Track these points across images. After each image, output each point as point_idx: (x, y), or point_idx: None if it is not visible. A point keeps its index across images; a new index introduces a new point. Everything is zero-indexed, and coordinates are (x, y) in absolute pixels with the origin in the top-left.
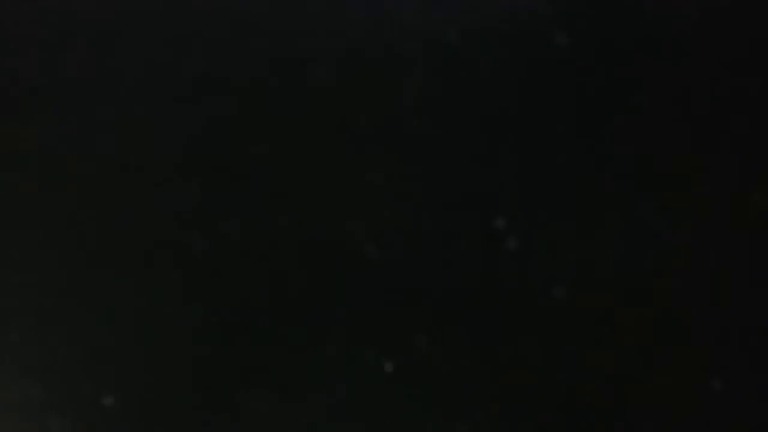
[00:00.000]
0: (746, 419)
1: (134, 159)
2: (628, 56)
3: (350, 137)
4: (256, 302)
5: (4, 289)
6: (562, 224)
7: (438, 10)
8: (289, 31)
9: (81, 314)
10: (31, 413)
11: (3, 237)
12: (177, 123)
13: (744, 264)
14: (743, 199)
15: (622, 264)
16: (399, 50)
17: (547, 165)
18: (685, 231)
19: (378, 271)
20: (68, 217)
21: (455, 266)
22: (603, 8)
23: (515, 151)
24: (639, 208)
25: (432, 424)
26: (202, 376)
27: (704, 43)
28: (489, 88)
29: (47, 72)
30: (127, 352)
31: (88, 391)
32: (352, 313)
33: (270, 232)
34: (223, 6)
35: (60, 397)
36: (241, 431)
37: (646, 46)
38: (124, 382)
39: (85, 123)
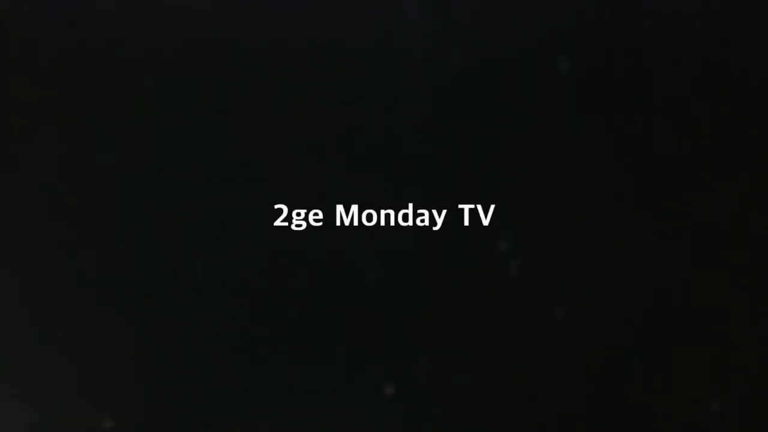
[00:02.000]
0: None
1: (135, 183)
2: (630, 81)
3: (352, 160)
4: (255, 325)
5: (2, 311)
6: (564, 247)
7: (440, 34)
8: (291, 55)
9: (80, 336)
10: None
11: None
12: (178, 143)
13: (744, 286)
14: (744, 222)
15: (623, 286)
16: (401, 74)
17: (549, 188)
18: (685, 253)
19: (379, 294)
20: (66, 239)
21: (457, 288)
22: (604, 33)
23: (517, 175)
24: (640, 231)
25: None
26: (201, 399)
27: (707, 67)
28: (491, 112)
29: (46, 79)
30: (126, 375)
31: (87, 414)
32: (352, 336)
33: (270, 255)
34: (225, 36)
35: (60, 419)
36: None
37: (648, 71)
38: (124, 404)
39: (82, 137)
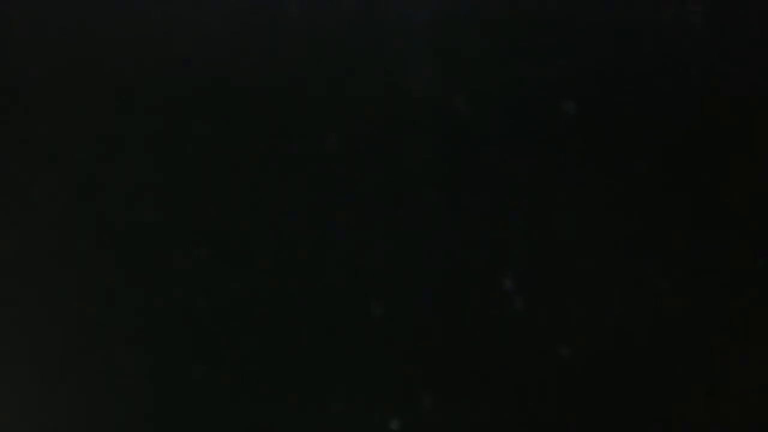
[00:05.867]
0: None
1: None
2: (635, 125)
3: (359, 201)
4: (261, 360)
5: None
6: (568, 285)
7: (447, 77)
8: (300, 100)
9: (81, 373)
10: None
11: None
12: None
13: (744, 326)
14: (745, 264)
15: (626, 324)
16: (407, 117)
17: (554, 228)
18: (687, 291)
19: (384, 330)
20: (67, 281)
21: (462, 325)
22: (610, 77)
23: (523, 215)
24: (643, 270)
25: None
26: None
27: (712, 109)
28: (497, 155)
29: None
30: (128, 407)
31: None
32: (358, 371)
33: (276, 290)
34: (231, 76)
35: None
36: None
37: (652, 115)
38: None
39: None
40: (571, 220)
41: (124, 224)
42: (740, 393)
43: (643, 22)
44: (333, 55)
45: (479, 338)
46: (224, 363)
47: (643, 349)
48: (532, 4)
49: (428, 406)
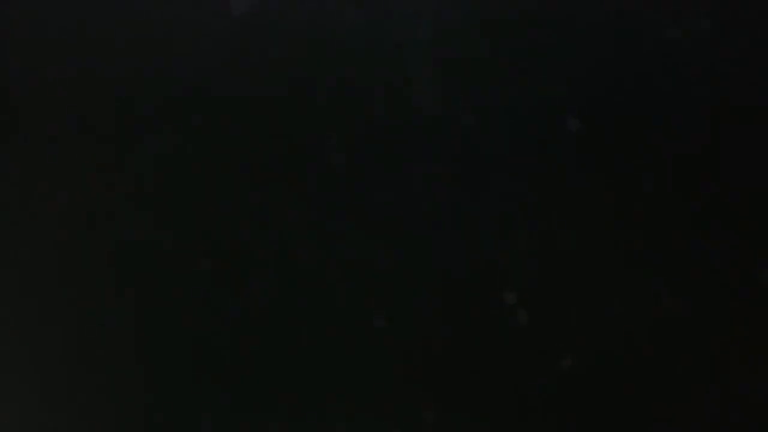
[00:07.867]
0: None
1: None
2: (639, 140)
3: (363, 213)
4: (262, 372)
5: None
6: (571, 298)
7: (452, 94)
8: (301, 104)
9: (81, 377)
10: None
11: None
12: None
13: (746, 339)
14: (746, 276)
15: (630, 336)
16: (413, 132)
17: (556, 242)
18: (691, 304)
19: (386, 344)
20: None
21: (465, 338)
22: (615, 93)
23: (526, 229)
24: (646, 283)
25: None
26: None
27: (715, 126)
28: (502, 170)
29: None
30: (132, 425)
31: None
32: (360, 385)
33: (279, 304)
34: (240, 84)
35: None
36: None
37: (656, 132)
38: None
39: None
40: (573, 235)
41: (123, 224)
42: (743, 403)
43: (649, 24)
44: (333, 57)
45: (482, 351)
46: (225, 374)
47: (646, 361)
48: (534, 5)
49: (430, 420)
